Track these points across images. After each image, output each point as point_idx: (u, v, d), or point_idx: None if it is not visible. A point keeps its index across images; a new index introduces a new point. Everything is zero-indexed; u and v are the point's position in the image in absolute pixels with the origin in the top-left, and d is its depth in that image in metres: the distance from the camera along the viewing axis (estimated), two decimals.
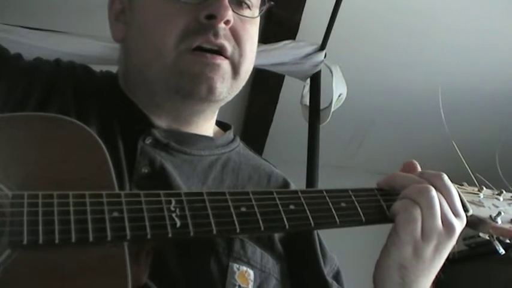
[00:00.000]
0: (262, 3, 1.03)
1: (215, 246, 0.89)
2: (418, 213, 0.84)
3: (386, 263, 0.86)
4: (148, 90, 0.98)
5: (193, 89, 0.94)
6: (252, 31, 1.00)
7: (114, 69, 1.09)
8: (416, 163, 0.94)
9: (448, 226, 0.85)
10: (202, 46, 0.93)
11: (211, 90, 0.94)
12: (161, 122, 0.99)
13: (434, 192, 0.85)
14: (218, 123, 1.12)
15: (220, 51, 0.94)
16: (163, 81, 0.95)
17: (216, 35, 0.93)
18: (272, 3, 1.04)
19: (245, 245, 0.91)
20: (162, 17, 0.95)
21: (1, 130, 0.75)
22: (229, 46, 0.95)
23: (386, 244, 0.87)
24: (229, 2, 0.94)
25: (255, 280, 0.91)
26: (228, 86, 0.97)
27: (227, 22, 0.93)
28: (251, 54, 1.01)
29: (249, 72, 1.03)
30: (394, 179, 0.91)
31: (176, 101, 0.97)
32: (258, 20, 1.03)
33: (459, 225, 0.87)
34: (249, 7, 1.00)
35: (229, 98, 1.01)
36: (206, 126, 1.06)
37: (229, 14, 0.93)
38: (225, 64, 0.95)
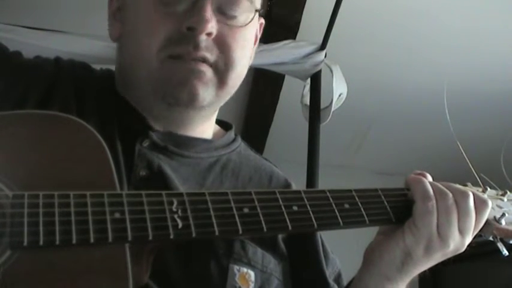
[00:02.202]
0: (257, 7, 1.00)
1: (215, 247, 0.88)
2: (434, 206, 0.86)
3: (395, 244, 0.88)
4: (137, 94, 0.98)
5: (175, 96, 0.93)
6: (242, 37, 0.98)
7: (114, 68, 1.09)
8: (428, 175, 0.94)
9: (443, 238, 0.86)
10: (183, 56, 0.92)
11: (193, 96, 0.93)
12: (158, 124, 0.99)
13: (453, 199, 0.87)
14: (219, 122, 1.12)
15: (202, 60, 0.93)
16: (149, 87, 0.95)
17: (196, 47, 0.92)
18: (261, 10, 1.02)
19: (245, 245, 0.91)
20: (147, 23, 0.94)
21: (1, 128, 0.75)
22: (211, 56, 0.93)
23: (403, 228, 0.87)
24: (215, 10, 0.93)
25: (255, 281, 0.90)
26: (212, 94, 0.95)
27: (209, 34, 0.92)
28: (242, 61, 0.98)
29: (240, 78, 1.01)
30: (418, 184, 0.90)
31: (163, 108, 0.96)
32: (253, 23, 1.00)
33: (456, 243, 0.88)
34: (236, 17, 0.97)
35: (217, 104, 1.01)
36: (204, 128, 1.05)
37: (210, 27, 0.91)
38: (208, 71, 0.94)
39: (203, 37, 0.91)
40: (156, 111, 0.98)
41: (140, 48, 0.95)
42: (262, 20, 1.09)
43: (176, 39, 0.92)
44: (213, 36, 0.92)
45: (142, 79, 0.96)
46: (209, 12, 0.91)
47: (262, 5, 1.03)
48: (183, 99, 0.93)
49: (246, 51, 1.00)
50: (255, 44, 1.07)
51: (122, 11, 1.01)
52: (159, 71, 0.93)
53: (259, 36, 1.09)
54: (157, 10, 0.93)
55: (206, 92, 0.94)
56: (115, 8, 1.03)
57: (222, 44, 0.94)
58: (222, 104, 1.04)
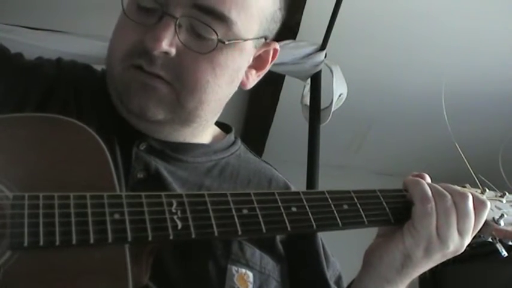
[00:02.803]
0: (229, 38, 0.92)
1: (213, 248, 0.88)
2: (433, 207, 0.86)
3: (395, 246, 0.88)
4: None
5: (128, 104, 0.92)
6: (209, 61, 0.91)
7: None
8: (426, 176, 0.94)
9: (442, 240, 0.87)
10: (142, 68, 0.90)
11: (142, 109, 0.91)
12: (149, 130, 0.97)
13: (451, 201, 0.87)
14: (219, 124, 1.11)
15: (157, 76, 0.90)
16: (116, 96, 0.95)
17: (151, 62, 0.89)
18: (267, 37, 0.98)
19: (243, 247, 0.91)
20: (119, 29, 0.94)
21: (1, 130, 0.75)
22: (166, 75, 0.90)
23: (403, 230, 0.88)
24: (187, 28, 0.89)
25: (254, 282, 0.90)
26: (166, 111, 0.92)
27: (166, 53, 0.88)
28: (207, 87, 0.92)
29: (207, 103, 0.95)
30: (416, 186, 0.90)
31: (128, 115, 0.96)
32: (232, 47, 0.93)
33: (455, 245, 0.88)
34: (206, 39, 0.90)
35: (180, 121, 0.96)
36: (199, 135, 1.03)
37: (162, 46, 0.86)
38: (163, 88, 0.90)
39: (158, 54, 0.88)
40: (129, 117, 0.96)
41: (111, 52, 0.95)
42: (277, 46, 1.03)
43: (137, 51, 0.90)
44: (172, 55, 0.89)
45: (111, 84, 0.96)
46: (166, 32, 0.87)
47: (266, 30, 0.98)
48: (134, 110, 0.92)
49: (216, 77, 0.93)
50: (260, 69, 1.04)
51: None
52: (120, 77, 0.92)
53: (270, 61, 1.04)
54: (127, 18, 0.91)
55: (157, 108, 0.91)
56: None
57: (181, 66, 0.90)
58: (197, 123, 0.99)
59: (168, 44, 0.88)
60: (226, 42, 0.91)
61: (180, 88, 0.91)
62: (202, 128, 1.02)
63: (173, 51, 0.89)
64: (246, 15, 0.93)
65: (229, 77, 0.96)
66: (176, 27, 0.88)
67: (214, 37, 0.90)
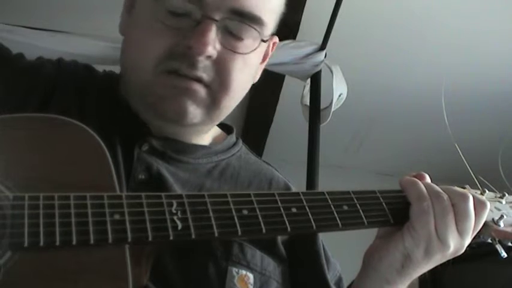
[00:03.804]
0: (264, 37, 0.97)
1: (213, 250, 0.88)
2: (430, 206, 0.86)
3: (395, 247, 0.88)
4: (135, 100, 0.98)
5: (164, 111, 0.93)
6: (243, 62, 0.95)
7: (116, 69, 1.09)
8: (426, 175, 0.94)
9: (442, 240, 0.87)
10: (178, 71, 0.91)
11: (181, 114, 0.92)
12: (157, 130, 0.98)
13: (448, 201, 0.87)
14: (221, 125, 1.11)
15: (198, 80, 0.92)
16: (142, 99, 0.95)
17: (193, 66, 0.90)
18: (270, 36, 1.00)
19: (244, 248, 0.91)
20: (148, 34, 0.93)
21: (2, 131, 0.75)
22: (207, 77, 0.92)
23: (402, 231, 0.88)
24: (222, 29, 0.91)
25: (254, 284, 0.90)
26: (203, 113, 0.94)
27: (208, 56, 0.90)
28: (239, 85, 0.96)
29: (236, 101, 0.99)
30: (412, 186, 0.90)
31: (156, 119, 0.96)
32: (259, 45, 0.96)
33: (455, 245, 0.88)
34: (242, 39, 0.94)
35: (211, 124, 1.00)
36: (203, 136, 1.04)
37: (209, 50, 0.89)
38: (201, 91, 0.92)
39: (200, 58, 0.90)
40: (151, 120, 0.97)
41: (135, 60, 0.94)
42: (276, 39, 1.07)
43: (174, 55, 0.91)
44: (214, 58, 0.91)
45: (137, 88, 0.95)
46: (211, 36, 0.89)
47: (276, 26, 1.01)
48: (171, 115, 0.93)
49: (246, 75, 0.98)
50: (263, 61, 1.07)
51: (133, 8, 0.99)
52: (152, 84, 0.92)
53: (270, 53, 1.08)
54: (162, 21, 0.91)
55: (196, 111, 0.93)
56: (129, 2, 1.01)
57: (221, 67, 0.92)
58: (216, 123, 1.03)
59: (213, 47, 0.90)
60: (266, 42, 0.97)
61: (217, 89, 0.93)
62: (208, 128, 1.03)
63: (215, 54, 0.91)
64: (271, 16, 0.98)
65: (253, 74, 1.01)
66: (217, 30, 0.90)
67: (251, 38, 0.94)
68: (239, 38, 0.93)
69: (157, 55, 0.91)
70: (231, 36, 0.93)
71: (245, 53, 0.94)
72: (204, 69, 0.91)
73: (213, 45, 0.90)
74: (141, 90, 0.94)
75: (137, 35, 0.95)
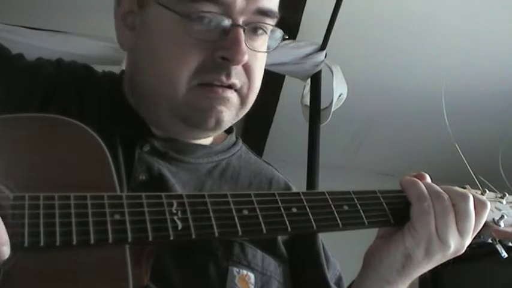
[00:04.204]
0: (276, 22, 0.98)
1: (214, 250, 0.88)
2: (431, 206, 0.86)
3: (395, 247, 0.88)
4: (152, 109, 0.97)
5: (201, 122, 0.94)
6: (263, 61, 0.99)
7: (115, 69, 1.09)
8: (426, 175, 0.94)
9: (442, 240, 0.87)
10: (213, 83, 0.92)
11: (219, 122, 0.94)
12: (159, 130, 0.98)
13: (449, 200, 0.87)
14: None
15: (230, 86, 0.93)
16: (171, 111, 0.94)
17: (228, 76, 0.91)
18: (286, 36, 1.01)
19: (245, 248, 0.91)
20: (177, 49, 0.91)
21: (2, 131, 0.75)
22: (239, 82, 0.94)
23: (403, 231, 0.88)
24: (245, 32, 0.91)
25: (255, 283, 0.90)
26: (233, 116, 0.96)
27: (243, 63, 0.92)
28: (260, 82, 0.99)
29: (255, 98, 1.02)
30: (413, 186, 0.90)
31: (180, 127, 0.96)
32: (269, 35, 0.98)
33: (455, 245, 0.88)
34: (265, 32, 0.95)
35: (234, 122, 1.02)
36: (205, 136, 1.04)
37: (246, 59, 0.90)
38: (234, 97, 0.94)
39: (238, 66, 0.91)
40: (169, 127, 0.97)
41: (165, 75, 0.92)
42: None
43: (207, 67, 0.91)
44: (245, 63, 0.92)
45: (162, 100, 0.94)
46: (244, 44, 0.90)
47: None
48: (209, 125, 0.94)
49: (263, 70, 1.00)
50: None
51: (139, 19, 0.96)
52: (185, 97, 0.92)
53: None
54: (188, 36, 0.90)
55: (230, 117, 0.95)
56: (126, 11, 0.98)
57: (249, 71, 0.94)
58: None
59: (247, 55, 0.91)
60: (286, 37, 0.99)
61: (246, 91, 0.95)
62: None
63: (247, 59, 0.91)
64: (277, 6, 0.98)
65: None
66: (244, 35, 0.91)
67: (267, 33, 0.96)
68: (259, 36, 0.95)
69: (191, 69, 0.91)
70: (253, 37, 0.94)
71: (265, 52, 0.97)
72: (236, 75, 0.92)
73: (247, 53, 0.91)
74: (170, 104, 0.94)
75: (164, 51, 0.93)
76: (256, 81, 0.97)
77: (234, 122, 1.00)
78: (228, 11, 0.90)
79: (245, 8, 0.90)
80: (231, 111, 0.95)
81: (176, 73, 0.91)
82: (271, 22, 0.96)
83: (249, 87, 0.96)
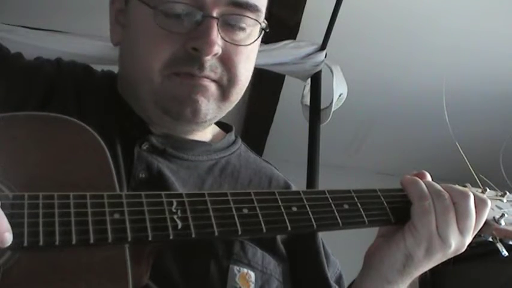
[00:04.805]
0: (262, 26, 0.98)
1: (215, 248, 0.88)
2: (431, 205, 0.86)
3: (396, 246, 0.88)
4: (140, 104, 0.98)
5: (179, 112, 0.93)
6: (246, 53, 0.96)
7: (115, 68, 1.09)
8: (427, 174, 0.94)
9: (443, 239, 0.86)
10: (187, 74, 0.92)
11: (196, 112, 0.93)
12: (157, 128, 0.98)
13: (449, 199, 0.87)
14: (219, 124, 1.11)
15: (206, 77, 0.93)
16: (154, 103, 0.95)
17: (201, 67, 0.91)
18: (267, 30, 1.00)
19: (245, 246, 0.91)
20: (149, 41, 0.93)
21: (2, 130, 0.75)
22: (215, 75, 0.93)
23: (404, 230, 0.87)
24: (221, 24, 0.91)
25: (256, 282, 0.90)
26: (214, 108, 0.95)
27: (215, 55, 0.91)
28: (244, 75, 0.97)
29: (242, 91, 1.00)
30: (413, 185, 0.90)
31: (166, 120, 0.96)
32: (256, 30, 0.97)
33: (456, 244, 0.88)
34: (243, 29, 0.95)
35: (219, 117, 1.01)
36: (204, 132, 1.05)
37: (215, 49, 0.90)
38: (211, 86, 0.93)
39: (208, 58, 0.90)
40: (156, 120, 0.98)
41: (141, 67, 0.93)
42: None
43: (180, 58, 0.91)
44: (219, 55, 0.92)
45: (144, 92, 0.95)
46: (215, 34, 0.90)
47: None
48: (187, 115, 0.93)
49: (250, 65, 0.99)
50: None
51: (125, 15, 0.99)
52: (162, 87, 0.92)
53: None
54: (160, 28, 0.90)
55: (208, 107, 0.94)
56: (118, 8, 1.01)
57: (226, 62, 0.93)
58: (221, 117, 1.03)
59: (218, 45, 0.90)
60: (265, 30, 0.97)
61: (227, 84, 0.95)
62: (207, 124, 1.03)
63: (221, 51, 0.91)
64: (263, 1, 0.97)
65: (253, 62, 1.01)
66: (218, 27, 0.90)
67: (251, 28, 0.95)
68: (239, 30, 0.94)
69: (163, 61, 0.91)
70: (231, 30, 0.94)
71: (247, 45, 0.95)
72: (211, 67, 0.92)
73: (218, 43, 0.90)
74: (150, 95, 0.94)
75: (139, 43, 0.94)
76: (237, 76, 0.95)
77: (218, 116, 0.99)
78: (199, 3, 0.90)
79: (219, 0, 0.90)
80: (210, 102, 0.94)
81: (150, 64, 0.92)
82: (251, 15, 0.94)
83: (230, 80, 0.95)
